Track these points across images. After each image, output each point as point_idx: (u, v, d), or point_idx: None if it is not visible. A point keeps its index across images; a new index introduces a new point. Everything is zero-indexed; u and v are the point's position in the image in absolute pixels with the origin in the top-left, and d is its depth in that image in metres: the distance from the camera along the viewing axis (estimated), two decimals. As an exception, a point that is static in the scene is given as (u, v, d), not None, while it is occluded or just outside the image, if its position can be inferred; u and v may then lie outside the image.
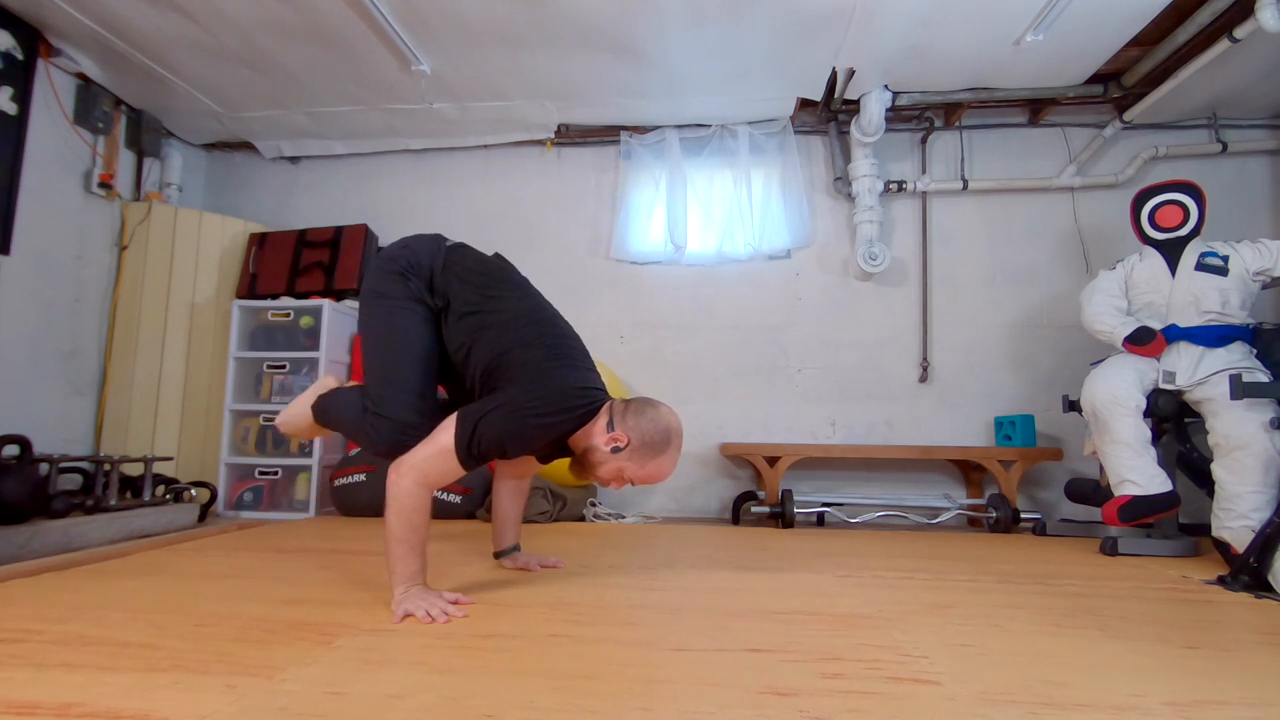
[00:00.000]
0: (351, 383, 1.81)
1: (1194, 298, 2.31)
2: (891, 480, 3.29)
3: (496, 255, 1.70)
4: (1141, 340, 2.33)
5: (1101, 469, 2.47)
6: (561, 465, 2.83)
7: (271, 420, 3.14)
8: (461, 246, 1.65)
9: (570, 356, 1.54)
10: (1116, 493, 2.27)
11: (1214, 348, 2.26)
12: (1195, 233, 2.40)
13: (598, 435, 1.47)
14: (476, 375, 1.50)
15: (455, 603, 1.39)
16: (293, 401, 1.79)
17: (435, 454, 1.38)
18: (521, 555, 1.86)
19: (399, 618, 1.32)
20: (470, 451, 1.36)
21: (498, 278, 1.61)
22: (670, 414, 1.51)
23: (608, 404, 1.51)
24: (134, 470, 2.74)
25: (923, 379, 3.31)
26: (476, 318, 1.52)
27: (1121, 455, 2.25)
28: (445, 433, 1.38)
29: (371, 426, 1.52)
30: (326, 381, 1.78)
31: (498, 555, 1.86)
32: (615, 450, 1.45)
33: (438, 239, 1.63)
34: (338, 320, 3.22)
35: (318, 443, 3.05)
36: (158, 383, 3.16)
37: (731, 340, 3.44)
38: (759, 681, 1.02)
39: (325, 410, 1.69)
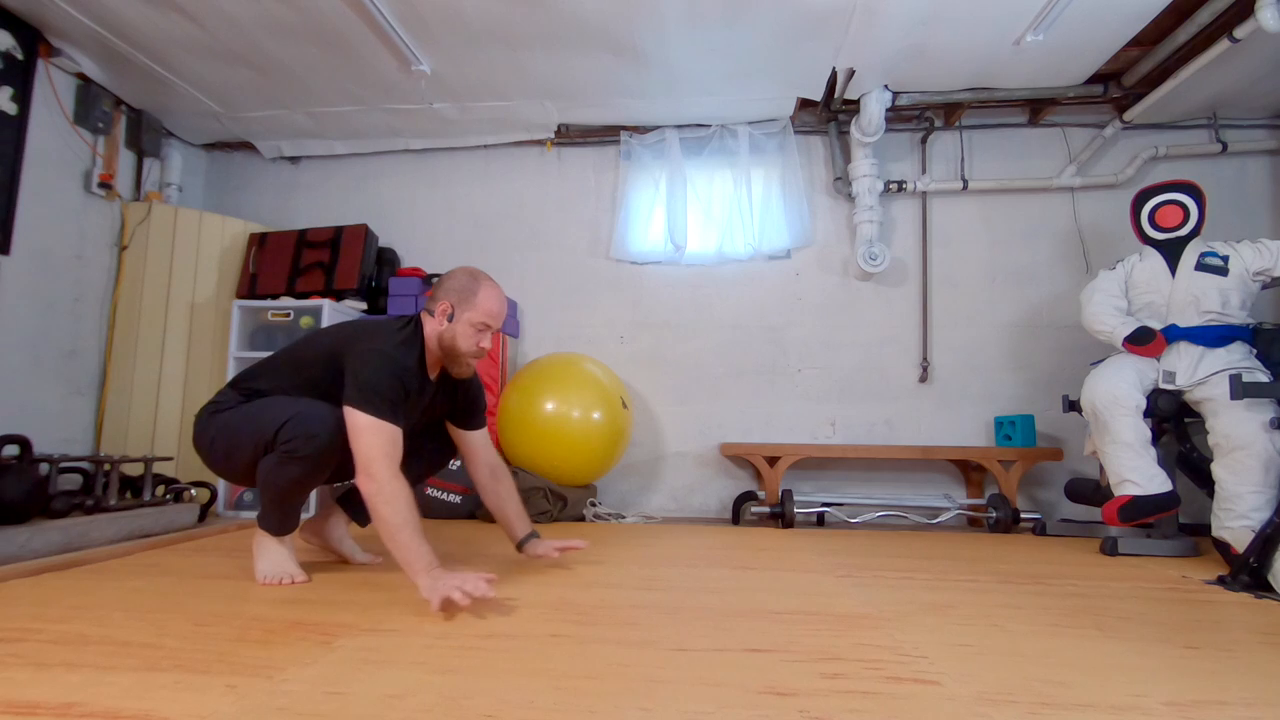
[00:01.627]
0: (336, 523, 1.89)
1: (1194, 298, 2.31)
2: (891, 480, 3.29)
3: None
4: (1141, 340, 2.33)
5: (1101, 469, 2.47)
6: (562, 465, 2.85)
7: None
8: (242, 371, 1.78)
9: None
10: (1116, 493, 2.27)
11: (1214, 348, 2.26)
12: (1195, 233, 2.40)
13: (433, 325, 1.64)
14: (327, 395, 1.60)
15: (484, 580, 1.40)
16: (258, 568, 1.67)
17: (365, 436, 1.45)
18: (541, 543, 1.85)
19: (437, 605, 1.32)
20: (377, 404, 1.47)
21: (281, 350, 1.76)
22: (460, 268, 1.70)
23: (420, 314, 1.69)
24: (134, 470, 2.74)
25: (923, 379, 3.31)
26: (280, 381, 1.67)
27: (1121, 455, 2.26)
28: (352, 417, 1.47)
29: (283, 442, 1.53)
30: (255, 534, 1.71)
31: (519, 547, 1.86)
32: (450, 318, 1.62)
33: (221, 391, 1.76)
34: (338, 320, 3.21)
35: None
36: (158, 383, 3.16)
37: (731, 340, 3.44)
38: (759, 681, 1.02)
39: (262, 502, 1.64)
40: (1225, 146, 3.15)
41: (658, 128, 3.48)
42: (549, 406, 2.85)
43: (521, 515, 1.88)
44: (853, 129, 3.25)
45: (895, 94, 3.11)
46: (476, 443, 1.85)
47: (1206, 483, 2.27)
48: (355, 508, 1.88)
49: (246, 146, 3.77)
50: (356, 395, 1.48)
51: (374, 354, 1.54)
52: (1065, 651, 1.20)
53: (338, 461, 1.58)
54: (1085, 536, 2.66)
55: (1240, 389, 1.99)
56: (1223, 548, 2.08)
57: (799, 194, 3.39)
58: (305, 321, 3.19)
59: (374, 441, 1.45)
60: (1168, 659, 1.18)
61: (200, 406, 1.77)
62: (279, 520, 1.65)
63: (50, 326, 2.92)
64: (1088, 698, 0.98)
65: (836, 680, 1.03)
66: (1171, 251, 2.41)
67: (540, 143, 3.65)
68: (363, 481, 1.44)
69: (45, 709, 0.88)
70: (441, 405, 1.80)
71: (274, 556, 1.67)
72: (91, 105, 3.04)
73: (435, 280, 1.67)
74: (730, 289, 3.46)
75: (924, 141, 3.39)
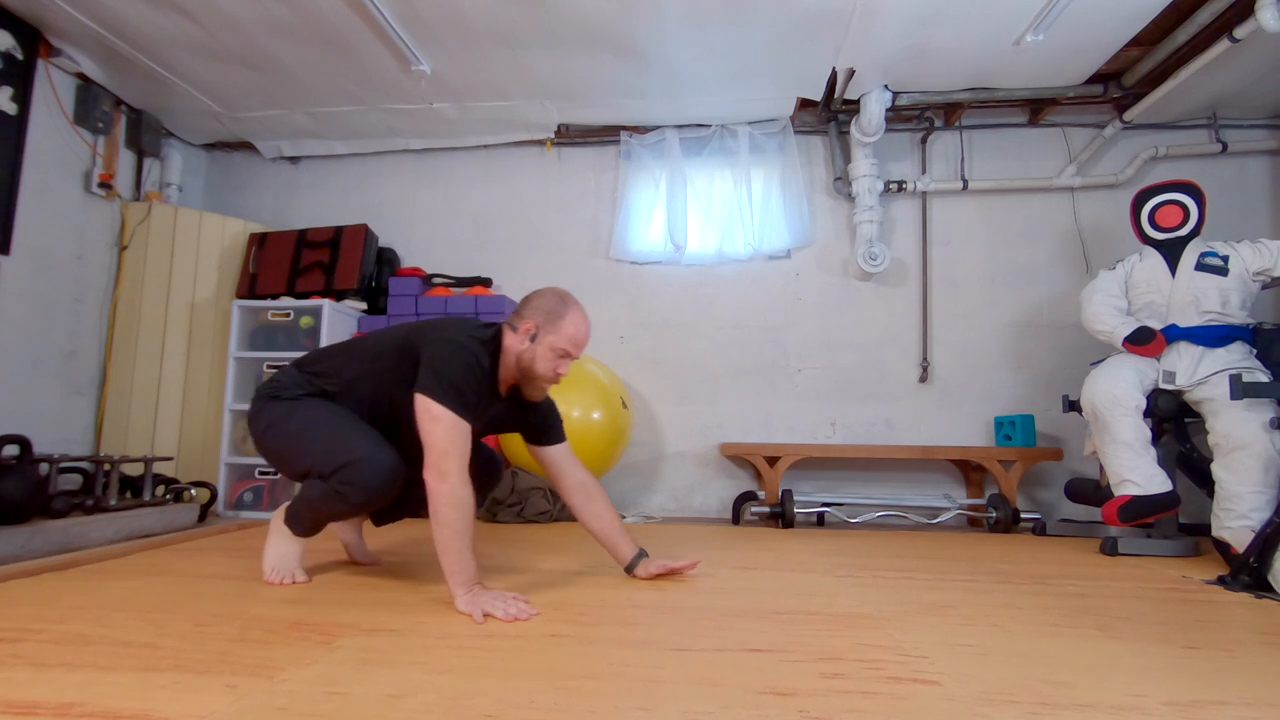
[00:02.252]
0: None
1: (1194, 298, 2.31)
2: (891, 480, 3.29)
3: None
4: (1141, 340, 2.33)
5: (1101, 469, 2.47)
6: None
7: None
8: (306, 354, 1.75)
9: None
10: (1116, 493, 2.27)
11: (1214, 348, 2.26)
12: (1195, 233, 2.40)
13: (514, 341, 1.57)
14: (395, 390, 1.55)
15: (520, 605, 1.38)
16: (265, 554, 1.67)
17: (439, 428, 1.39)
18: (653, 563, 1.74)
19: (481, 617, 1.31)
20: (453, 396, 1.41)
21: (347, 341, 1.72)
22: (550, 288, 1.64)
23: (503, 325, 1.63)
24: (134, 470, 2.74)
25: (923, 379, 3.31)
26: (354, 373, 1.61)
27: (1121, 455, 2.25)
28: (426, 406, 1.40)
29: (344, 483, 1.47)
30: (277, 516, 1.70)
31: (629, 570, 1.74)
32: (534, 338, 1.56)
33: (285, 367, 1.73)
34: (338, 320, 3.22)
35: (318, 443, 3.05)
36: (158, 383, 3.16)
37: (731, 340, 3.44)
38: (759, 681, 1.02)
39: (297, 516, 1.61)
40: (1225, 146, 3.15)
41: (658, 128, 3.48)
42: (549, 406, 2.85)
43: (624, 534, 1.74)
44: (853, 129, 3.25)
45: (895, 94, 3.11)
46: (560, 459, 1.72)
47: (1206, 483, 2.27)
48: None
49: (246, 146, 3.77)
50: (433, 383, 1.42)
51: (453, 345, 1.48)
52: (1065, 651, 1.20)
53: (386, 503, 1.58)
54: (1085, 536, 2.66)
55: (1240, 389, 1.99)
56: (1223, 548, 2.08)
57: (799, 194, 3.39)
58: (305, 321, 3.19)
59: (449, 436, 1.39)
60: (1168, 659, 1.18)
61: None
62: (308, 527, 1.63)
63: (50, 326, 2.92)
64: (1088, 698, 0.98)
65: (836, 680, 1.03)
66: (1171, 251, 2.41)
67: (540, 143, 3.65)
68: (432, 478, 1.37)
69: (45, 709, 0.88)
70: (510, 423, 1.72)
71: (285, 551, 1.66)
72: (91, 105, 3.04)
73: (523, 297, 1.65)
74: (730, 289, 3.46)
75: (924, 141, 3.39)
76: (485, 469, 1.82)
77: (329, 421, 1.56)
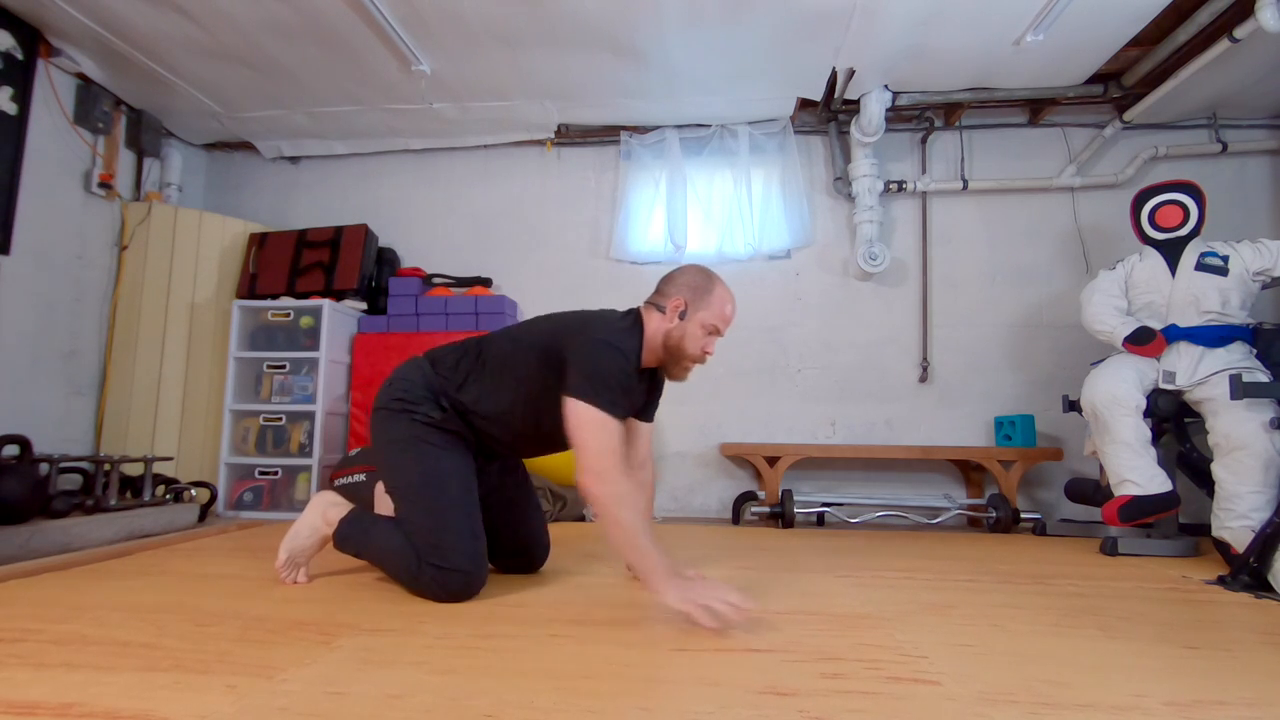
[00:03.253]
0: (385, 511, 1.73)
1: (1194, 298, 2.31)
2: (891, 480, 3.29)
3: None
4: (1141, 340, 2.33)
5: (1101, 469, 2.47)
6: (562, 465, 2.84)
7: (272, 420, 3.14)
8: (436, 348, 1.70)
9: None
10: (1116, 493, 2.26)
11: (1214, 348, 2.26)
12: (1195, 233, 2.40)
13: (661, 322, 1.54)
14: (540, 399, 1.51)
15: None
16: (293, 529, 1.65)
17: (592, 431, 1.35)
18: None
19: (698, 616, 1.24)
20: (605, 396, 1.37)
21: (477, 340, 1.67)
22: (691, 265, 1.62)
23: (640, 309, 1.59)
24: (134, 470, 2.74)
25: (923, 379, 3.31)
26: (497, 374, 1.56)
27: (1121, 455, 2.25)
28: (577, 410, 1.37)
29: (433, 579, 1.45)
30: (329, 497, 1.66)
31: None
32: (683, 315, 1.53)
33: (415, 359, 1.67)
34: (338, 320, 3.22)
35: (317, 442, 3.05)
36: (158, 383, 3.16)
37: (731, 340, 3.43)
38: (759, 681, 1.02)
39: (355, 540, 1.59)
40: (1225, 146, 3.15)
41: (658, 128, 3.48)
42: (549, 406, 2.85)
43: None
44: (853, 129, 3.25)
45: (895, 94, 3.11)
46: (645, 433, 1.73)
47: (1206, 483, 2.27)
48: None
49: (246, 146, 3.77)
50: (583, 386, 1.38)
51: (601, 344, 1.44)
52: (1065, 651, 1.20)
53: None
54: (1085, 536, 2.66)
55: (1240, 389, 1.99)
56: (1223, 548, 2.08)
57: (799, 194, 3.39)
58: (305, 321, 3.19)
59: (603, 438, 1.35)
60: (1168, 659, 1.18)
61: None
62: (352, 555, 1.61)
63: (50, 326, 2.92)
64: (1088, 698, 0.98)
65: (836, 680, 1.03)
66: (1171, 251, 2.41)
67: (540, 143, 3.65)
68: (591, 482, 1.33)
69: (45, 709, 0.88)
70: (641, 408, 1.70)
71: (309, 547, 1.65)
72: (91, 105, 3.04)
73: (664, 276, 1.62)
74: (730, 289, 3.45)
75: (924, 141, 3.39)
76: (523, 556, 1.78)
77: (455, 494, 1.51)
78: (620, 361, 1.44)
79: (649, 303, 1.59)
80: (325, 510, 1.64)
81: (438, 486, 1.51)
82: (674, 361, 1.57)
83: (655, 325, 1.55)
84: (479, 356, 1.60)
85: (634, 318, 1.57)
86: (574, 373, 1.41)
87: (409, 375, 1.61)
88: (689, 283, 1.56)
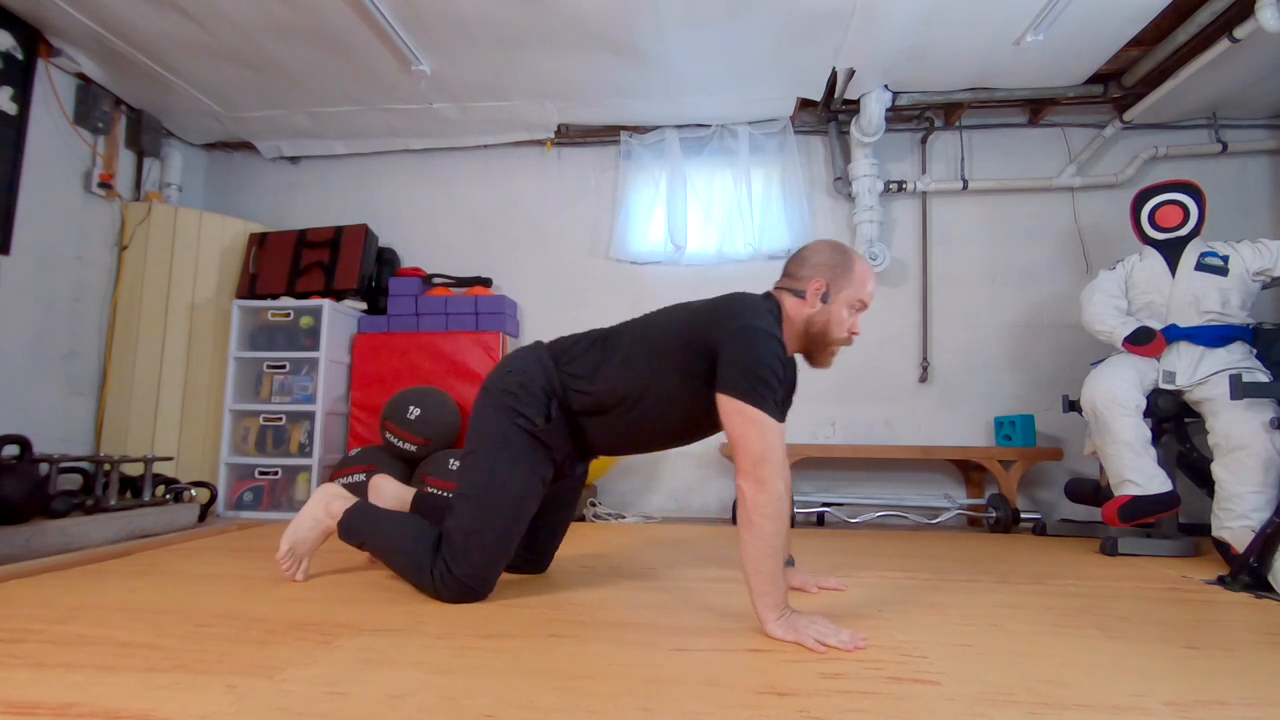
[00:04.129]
0: (381, 504, 1.70)
1: (1194, 298, 2.31)
2: (891, 480, 3.29)
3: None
4: (1141, 340, 2.33)
5: (1101, 469, 2.47)
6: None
7: (272, 420, 3.14)
8: (558, 339, 1.58)
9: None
10: (1116, 493, 2.27)
11: (1214, 348, 2.26)
12: (1195, 233, 2.40)
13: (801, 307, 1.42)
14: (682, 397, 1.40)
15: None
16: (295, 522, 1.64)
17: (757, 431, 1.23)
18: (797, 574, 1.64)
19: (808, 643, 1.17)
20: (767, 396, 1.26)
21: (602, 331, 1.55)
22: (820, 241, 1.49)
23: (770, 293, 1.48)
24: (134, 470, 2.74)
25: (923, 379, 3.31)
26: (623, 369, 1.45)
27: (1122, 455, 2.25)
28: (739, 409, 1.25)
29: (442, 580, 1.43)
30: (333, 489, 1.65)
31: None
32: (825, 298, 1.41)
33: (537, 348, 1.55)
34: (338, 320, 3.22)
35: (317, 442, 3.05)
36: (158, 383, 3.16)
37: (731, 340, 3.43)
38: (759, 681, 1.02)
39: (361, 530, 1.56)
40: (1225, 146, 3.15)
41: (658, 128, 3.48)
42: (549, 406, 2.85)
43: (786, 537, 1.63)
44: (853, 129, 3.25)
45: (895, 94, 3.11)
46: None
47: (1206, 483, 2.27)
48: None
49: (246, 146, 3.77)
50: (743, 383, 1.25)
51: (759, 334, 1.29)
52: (1065, 651, 1.20)
53: None
54: (1085, 536, 2.66)
55: (1240, 389, 1.99)
56: (1223, 548, 2.08)
57: (799, 194, 3.39)
58: (305, 321, 3.19)
59: (766, 439, 1.23)
60: (1168, 659, 1.18)
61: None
62: (357, 545, 1.59)
63: (50, 326, 2.92)
64: (1088, 698, 0.98)
65: (836, 680, 1.03)
66: (1171, 251, 2.41)
67: (540, 143, 3.65)
68: (749, 485, 1.24)
69: (45, 709, 0.88)
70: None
71: (310, 539, 1.64)
72: (91, 105, 3.04)
73: (792, 256, 1.49)
74: (730, 289, 3.43)
75: (924, 141, 3.39)
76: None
77: (505, 520, 1.44)
78: (777, 351, 1.31)
79: (780, 288, 1.46)
80: (329, 502, 1.63)
81: (499, 503, 1.44)
82: (820, 348, 1.46)
83: (795, 311, 1.43)
84: (606, 346, 1.48)
85: (775, 303, 1.44)
86: (732, 368, 1.28)
87: (528, 369, 1.50)
88: (826, 261, 1.42)
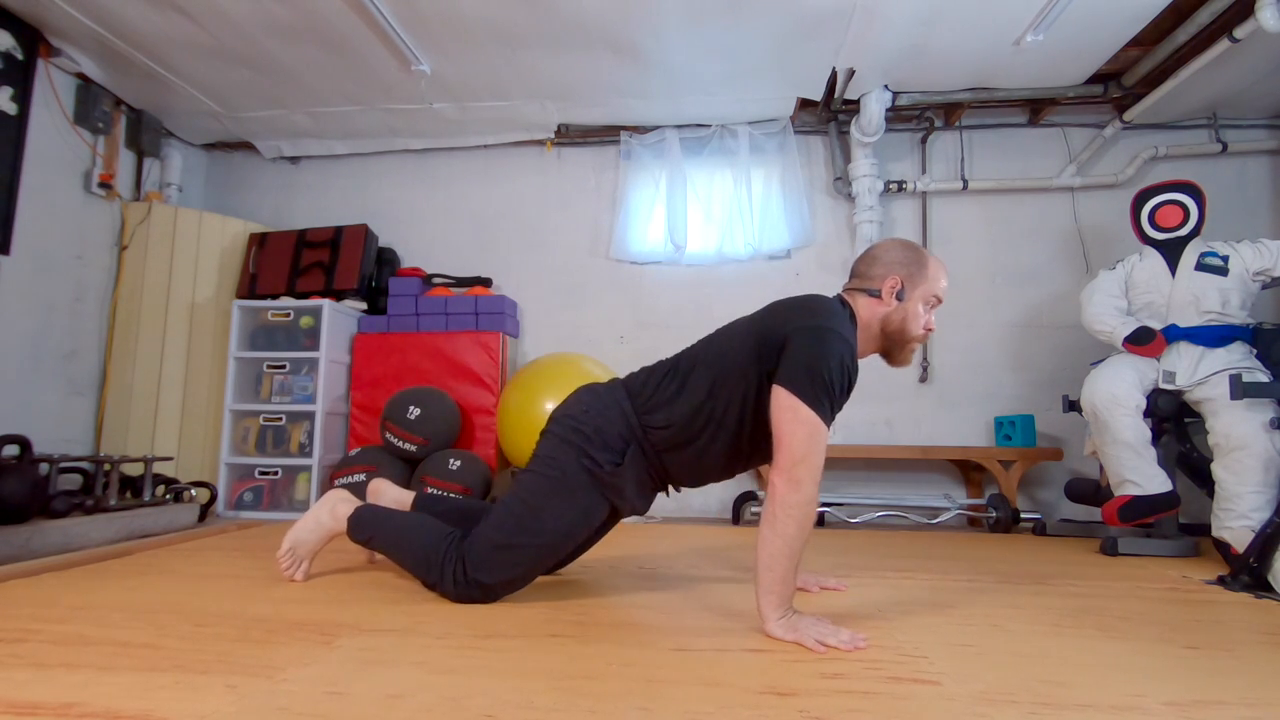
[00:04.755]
0: (393, 505, 1.68)
1: (1194, 298, 2.31)
2: (891, 480, 3.29)
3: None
4: (1141, 340, 2.33)
5: (1101, 469, 2.47)
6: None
7: (272, 420, 3.14)
8: (629, 378, 1.53)
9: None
10: (1116, 493, 2.27)
11: (1214, 348, 2.26)
12: (1195, 233, 2.40)
13: (877, 306, 1.40)
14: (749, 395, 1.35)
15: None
16: (299, 524, 1.65)
17: (804, 432, 1.20)
18: (799, 573, 1.62)
19: (809, 644, 1.17)
20: (824, 399, 1.22)
21: (673, 357, 1.52)
22: (890, 240, 1.46)
23: (841, 296, 1.45)
24: (134, 470, 2.74)
25: (923, 379, 3.31)
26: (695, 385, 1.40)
27: (1121, 455, 2.26)
28: (792, 405, 1.21)
29: (454, 579, 1.42)
30: (340, 493, 1.65)
31: None
32: (900, 295, 1.39)
33: (614, 389, 1.49)
34: (338, 320, 3.22)
35: (317, 442, 3.05)
36: (158, 383, 3.16)
37: (731, 340, 3.43)
38: (759, 681, 1.02)
39: (373, 528, 1.55)
40: (1225, 146, 3.15)
41: (658, 128, 3.48)
42: (549, 406, 2.84)
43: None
44: (853, 129, 3.25)
45: (895, 94, 3.11)
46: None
47: (1206, 483, 2.27)
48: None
49: (246, 146, 3.77)
50: (803, 379, 1.22)
51: (831, 335, 1.27)
52: (1065, 651, 1.20)
53: None
54: (1085, 536, 2.66)
55: (1240, 389, 1.99)
56: (1223, 548, 2.08)
57: (799, 194, 3.39)
58: (305, 321, 3.19)
59: (810, 441, 1.21)
60: (1168, 659, 1.18)
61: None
62: (364, 544, 1.59)
63: (50, 326, 2.92)
64: (1088, 698, 0.98)
65: (836, 680, 1.03)
66: (1171, 251, 2.41)
67: (540, 143, 3.65)
68: (783, 483, 1.21)
69: (45, 709, 0.88)
70: None
71: (312, 542, 1.64)
72: (91, 105, 3.04)
73: (863, 257, 1.46)
74: (730, 289, 3.46)
75: (924, 141, 3.39)
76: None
77: (542, 543, 1.42)
78: (846, 355, 1.28)
79: (851, 289, 1.43)
80: (335, 506, 1.63)
81: (539, 534, 1.41)
82: (898, 347, 1.43)
83: (869, 311, 1.40)
84: (678, 373, 1.44)
85: (840, 301, 1.41)
86: (794, 362, 1.25)
87: (607, 412, 1.44)
88: (898, 259, 1.40)
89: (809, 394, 1.22)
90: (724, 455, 1.43)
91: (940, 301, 1.42)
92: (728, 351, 1.38)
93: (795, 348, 1.27)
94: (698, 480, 1.52)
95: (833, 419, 1.28)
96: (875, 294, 1.40)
